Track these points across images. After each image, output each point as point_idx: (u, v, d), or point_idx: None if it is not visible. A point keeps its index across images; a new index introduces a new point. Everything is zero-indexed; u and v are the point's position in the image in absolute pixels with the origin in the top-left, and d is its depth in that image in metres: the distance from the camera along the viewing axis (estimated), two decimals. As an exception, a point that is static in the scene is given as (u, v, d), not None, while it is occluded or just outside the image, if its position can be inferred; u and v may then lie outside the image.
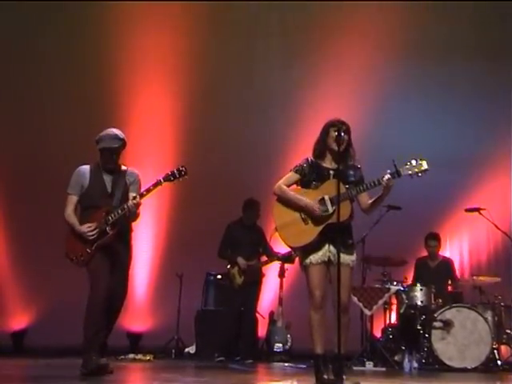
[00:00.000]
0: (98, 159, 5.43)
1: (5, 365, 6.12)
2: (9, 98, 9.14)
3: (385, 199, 4.83)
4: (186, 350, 8.34)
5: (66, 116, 9.21)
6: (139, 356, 7.68)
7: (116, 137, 5.33)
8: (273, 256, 8.00)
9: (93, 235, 5.21)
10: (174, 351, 8.26)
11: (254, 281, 7.89)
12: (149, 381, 5.54)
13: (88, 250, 5.21)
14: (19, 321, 9.04)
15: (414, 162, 4.72)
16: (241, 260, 7.85)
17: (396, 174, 4.68)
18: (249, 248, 7.94)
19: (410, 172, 4.71)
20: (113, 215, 5.21)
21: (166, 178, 5.25)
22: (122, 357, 7.57)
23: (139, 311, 9.33)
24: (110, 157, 5.35)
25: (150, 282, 9.48)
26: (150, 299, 9.44)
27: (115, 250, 5.30)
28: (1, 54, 9.06)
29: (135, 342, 9.12)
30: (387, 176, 4.65)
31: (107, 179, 5.40)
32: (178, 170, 5.28)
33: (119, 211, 5.21)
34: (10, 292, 8.99)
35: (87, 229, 5.20)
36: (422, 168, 4.71)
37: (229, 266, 7.93)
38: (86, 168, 5.44)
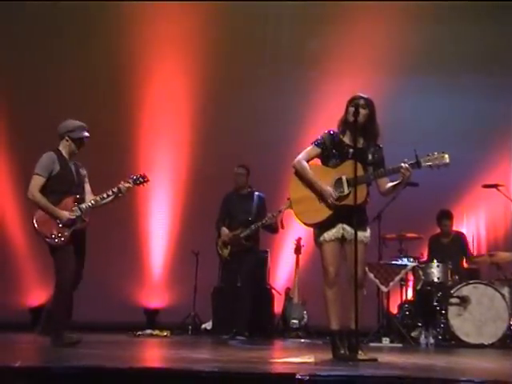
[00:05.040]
0: (58, 147, 5.62)
1: (24, 340, 6.20)
2: (24, 73, 9.28)
3: (403, 185, 4.85)
4: (203, 326, 8.36)
5: (80, 92, 9.25)
6: (156, 332, 7.74)
7: (86, 127, 5.63)
8: (258, 222, 7.67)
9: (72, 223, 5.43)
10: (190, 327, 8.30)
11: (242, 250, 7.64)
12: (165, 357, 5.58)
13: (66, 232, 5.40)
14: (37, 297, 9.12)
15: (435, 154, 4.69)
16: (223, 230, 7.75)
17: (416, 164, 4.65)
18: (242, 217, 7.76)
19: (430, 163, 4.68)
20: (90, 204, 5.52)
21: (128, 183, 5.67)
22: (140, 332, 7.63)
23: (156, 288, 9.40)
24: (81, 147, 5.64)
25: (166, 259, 9.52)
26: (166, 276, 9.48)
27: (80, 236, 5.55)
28: (20, 27, 9.23)
29: (152, 318, 9.19)
30: (406, 165, 4.63)
31: (72, 168, 5.63)
32: (138, 176, 5.74)
33: (95, 200, 5.55)
34: (27, 269, 9.07)
35: (70, 215, 5.41)
36: (444, 161, 4.69)
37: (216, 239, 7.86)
38: (54, 154, 5.59)
